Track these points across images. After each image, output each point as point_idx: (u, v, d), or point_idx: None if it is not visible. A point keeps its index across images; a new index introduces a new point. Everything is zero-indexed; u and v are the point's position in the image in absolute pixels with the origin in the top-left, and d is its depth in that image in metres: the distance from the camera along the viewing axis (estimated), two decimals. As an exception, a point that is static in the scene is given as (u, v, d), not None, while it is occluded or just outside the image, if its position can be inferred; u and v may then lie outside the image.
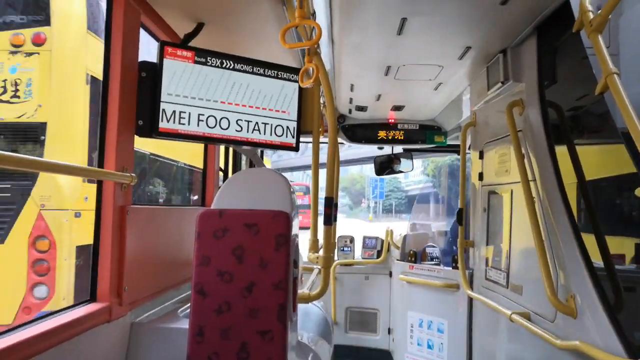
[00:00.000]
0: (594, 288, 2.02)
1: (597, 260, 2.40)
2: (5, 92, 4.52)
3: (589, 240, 2.32)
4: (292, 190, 2.10)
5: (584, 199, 2.72)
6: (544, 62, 2.61)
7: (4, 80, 4.59)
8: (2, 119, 4.69)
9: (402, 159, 5.33)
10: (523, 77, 2.75)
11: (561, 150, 2.63)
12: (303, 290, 2.31)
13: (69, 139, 4.88)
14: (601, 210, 3.09)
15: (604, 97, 1.98)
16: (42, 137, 4.66)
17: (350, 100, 4.27)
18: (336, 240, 5.13)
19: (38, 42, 4.66)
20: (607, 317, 1.90)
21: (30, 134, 4.72)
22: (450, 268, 4.25)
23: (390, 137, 4.90)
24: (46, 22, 4.71)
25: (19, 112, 4.62)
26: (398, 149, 5.28)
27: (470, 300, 3.85)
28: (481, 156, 3.61)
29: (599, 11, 1.80)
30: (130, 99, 2.14)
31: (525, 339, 2.71)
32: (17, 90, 4.54)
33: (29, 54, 4.65)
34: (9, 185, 4.64)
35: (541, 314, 2.49)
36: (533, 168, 2.60)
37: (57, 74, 4.76)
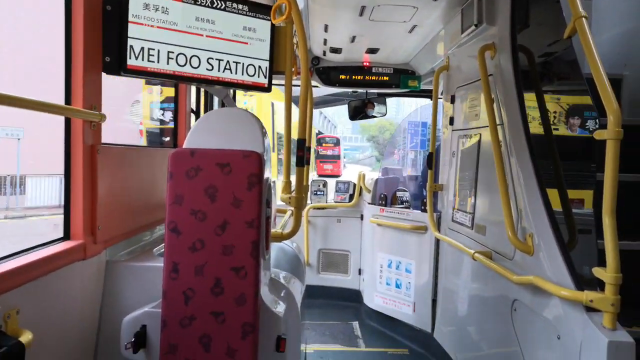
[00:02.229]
0: (551, 228, 2.13)
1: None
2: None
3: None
4: (264, 131, 2.11)
5: (548, 145, 2.82)
6: (517, 6, 2.61)
7: (244, 106, 11.68)
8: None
9: (376, 104, 5.33)
10: (496, 21, 2.75)
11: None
12: (276, 229, 2.37)
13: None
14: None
15: (572, 42, 2.01)
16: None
17: (325, 42, 4.20)
18: (309, 184, 5.20)
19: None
20: (560, 254, 2.03)
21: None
22: (419, 211, 4.39)
23: (364, 81, 4.88)
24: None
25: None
26: (372, 93, 5.28)
27: (437, 242, 4.01)
28: (452, 100, 3.65)
29: None
30: (95, 35, 2.05)
31: (486, 277, 2.87)
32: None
33: (250, 95, 12.03)
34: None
35: (502, 253, 2.63)
36: (502, 113, 2.66)
37: (260, 105, 12.76)
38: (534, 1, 2.74)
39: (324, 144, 29.67)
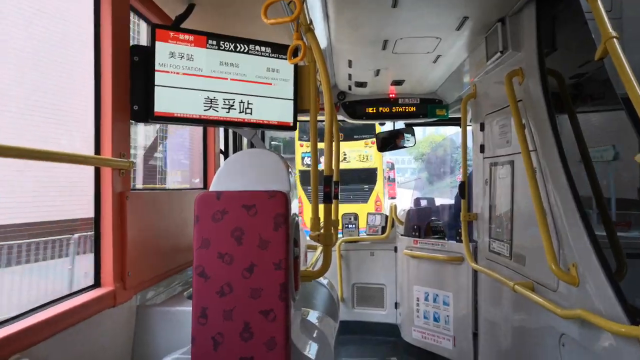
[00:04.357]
0: (596, 256, 2.01)
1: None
2: (365, 159, 14.68)
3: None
4: (289, 170, 2.10)
5: (586, 170, 2.70)
6: (543, 30, 2.56)
7: (366, 154, 14.64)
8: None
9: (405, 134, 5.30)
10: (522, 46, 2.71)
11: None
12: (306, 268, 2.32)
13: (381, 175, 15.26)
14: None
15: (604, 63, 1.94)
16: (376, 173, 14.75)
17: (349, 77, 4.23)
18: (340, 218, 5.15)
19: (372, 143, 13.56)
20: (609, 284, 1.90)
21: (373, 172, 14.77)
22: (454, 241, 4.26)
23: (391, 113, 4.87)
24: (373, 134, 12.74)
25: (369, 165, 14.76)
26: (400, 124, 5.25)
27: (475, 273, 3.86)
28: (482, 128, 3.58)
29: None
30: (123, 84, 2.12)
31: (529, 309, 2.73)
32: (367, 157, 14.66)
33: (370, 146, 14.37)
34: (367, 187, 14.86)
35: (544, 284, 2.50)
36: (534, 138, 2.58)
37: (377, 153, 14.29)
38: (560, 24, 2.68)
39: None
